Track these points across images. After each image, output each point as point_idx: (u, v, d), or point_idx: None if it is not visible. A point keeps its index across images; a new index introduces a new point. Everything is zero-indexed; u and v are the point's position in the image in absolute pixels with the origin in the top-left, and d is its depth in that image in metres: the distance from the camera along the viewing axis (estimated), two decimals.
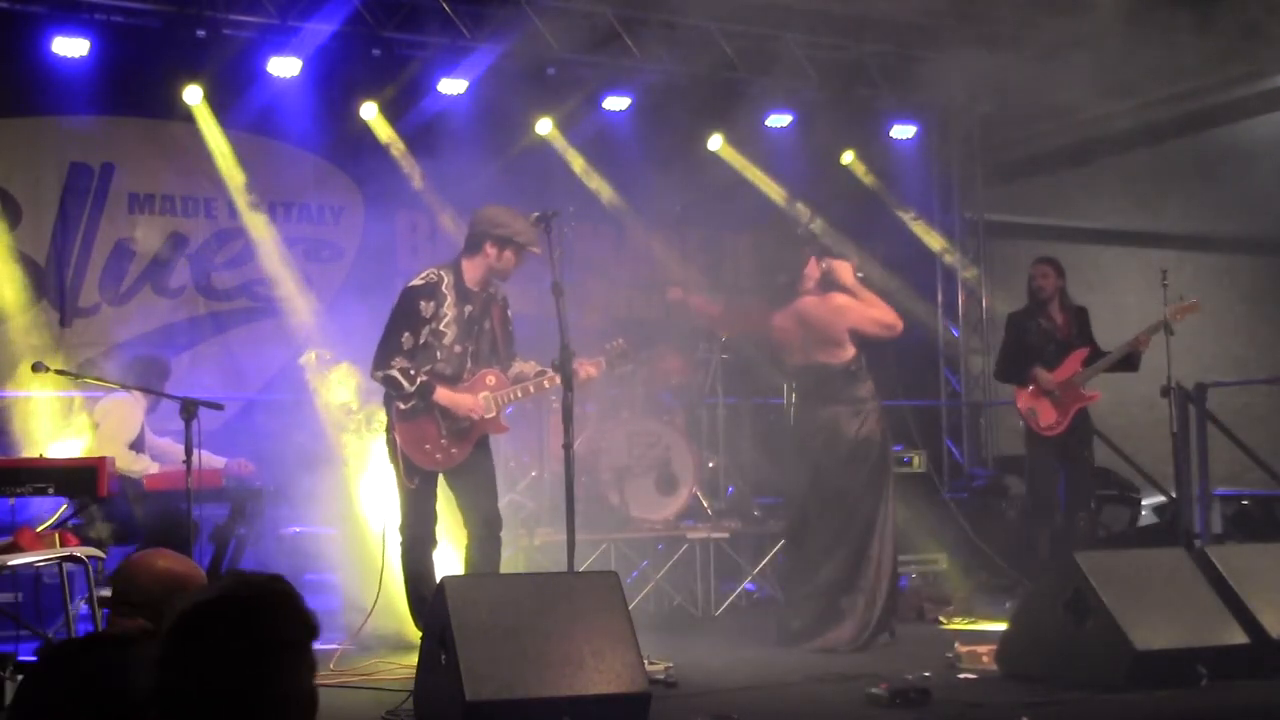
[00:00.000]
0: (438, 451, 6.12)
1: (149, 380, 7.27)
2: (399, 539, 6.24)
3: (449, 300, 6.12)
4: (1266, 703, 5.24)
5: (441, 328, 6.11)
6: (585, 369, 6.26)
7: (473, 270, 6.20)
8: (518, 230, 6.15)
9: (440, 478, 6.23)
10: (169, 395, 6.85)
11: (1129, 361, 8.19)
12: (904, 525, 9.40)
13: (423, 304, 6.08)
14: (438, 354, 6.11)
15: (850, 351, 6.95)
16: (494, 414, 6.20)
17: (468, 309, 6.18)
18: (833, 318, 6.94)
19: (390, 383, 6.06)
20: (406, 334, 6.06)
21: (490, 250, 6.15)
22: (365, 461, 7.65)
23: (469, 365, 6.19)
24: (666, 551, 8.65)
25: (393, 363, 6.03)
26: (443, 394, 6.06)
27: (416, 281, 6.16)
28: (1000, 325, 9.08)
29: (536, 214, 6.02)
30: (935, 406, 11.82)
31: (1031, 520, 8.55)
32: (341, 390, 7.86)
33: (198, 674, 2.10)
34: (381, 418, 6.42)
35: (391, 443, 6.12)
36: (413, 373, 6.03)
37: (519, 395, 6.34)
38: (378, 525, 7.52)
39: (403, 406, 6.07)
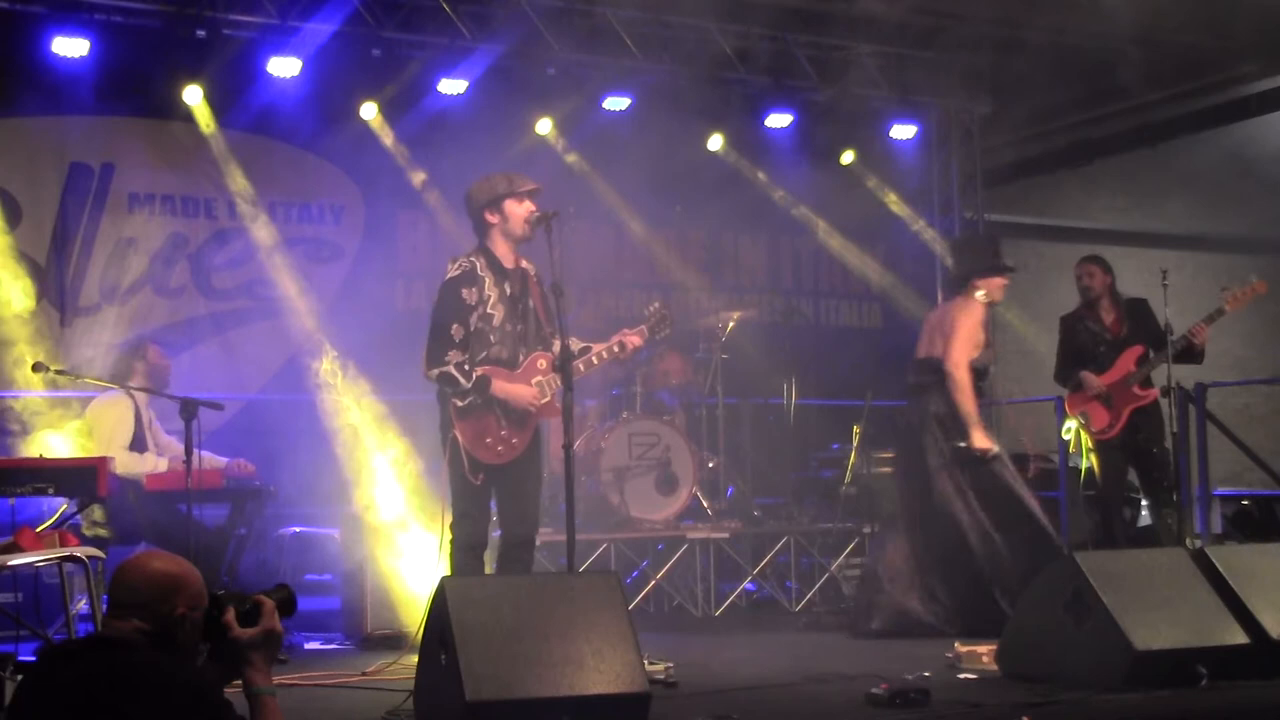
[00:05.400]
0: (499, 444, 5.93)
1: (130, 362, 7.24)
2: (448, 538, 5.98)
3: (488, 281, 5.97)
4: (1266, 703, 5.23)
5: (489, 310, 5.95)
6: (630, 339, 6.19)
7: (496, 246, 6.07)
8: (495, 184, 6.06)
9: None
10: (169, 395, 6.84)
11: (1190, 354, 7.81)
12: None
13: (465, 292, 5.92)
14: (491, 337, 5.94)
15: None
16: (548, 399, 6.02)
17: (508, 286, 6.03)
18: None
19: (447, 379, 5.87)
20: (455, 325, 5.89)
21: (492, 218, 6.05)
22: (366, 461, 7.66)
23: (521, 349, 6.03)
24: (666, 551, 8.65)
25: (447, 358, 5.86)
26: (499, 386, 5.89)
27: (453, 272, 5.99)
28: (999, 326, 9.05)
29: (537, 214, 6.00)
30: None
31: (1092, 520, 8.40)
32: (354, 403, 7.89)
33: None
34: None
35: (451, 441, 5.90)
36: (468, 367, 5.87)
37: (582, 370, 6.10)
38: (380, 525, 7.53)
39: (460, 403, 5.88)
